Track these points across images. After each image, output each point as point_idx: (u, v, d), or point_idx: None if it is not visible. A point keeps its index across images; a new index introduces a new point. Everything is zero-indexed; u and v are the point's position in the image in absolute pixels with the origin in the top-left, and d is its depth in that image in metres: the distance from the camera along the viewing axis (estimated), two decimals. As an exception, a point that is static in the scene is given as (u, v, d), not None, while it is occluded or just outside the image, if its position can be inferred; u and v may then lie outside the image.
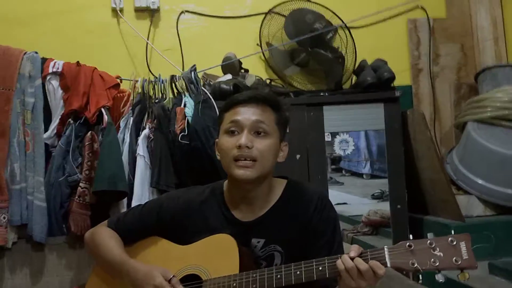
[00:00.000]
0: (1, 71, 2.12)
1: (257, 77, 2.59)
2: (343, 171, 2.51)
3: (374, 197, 2.48)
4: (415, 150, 2.50)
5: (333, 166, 2.48)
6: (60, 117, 2.18)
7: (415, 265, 1.12)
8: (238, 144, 1.34)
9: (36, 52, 2.22)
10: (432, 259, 1.11)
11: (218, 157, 1.45)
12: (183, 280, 1.38)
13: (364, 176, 2.52)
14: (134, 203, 2.04)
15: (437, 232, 1.16)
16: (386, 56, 2.63)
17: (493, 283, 1.94)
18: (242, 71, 2.65)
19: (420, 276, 1.15)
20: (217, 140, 1.46)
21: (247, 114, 1.37)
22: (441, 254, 1.11)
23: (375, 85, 2.47)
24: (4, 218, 2.04)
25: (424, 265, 1.11)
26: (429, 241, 1.13)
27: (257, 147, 1.35)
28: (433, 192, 2.46)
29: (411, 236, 1.17)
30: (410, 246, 1.14)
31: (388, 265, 1.14)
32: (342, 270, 1.17)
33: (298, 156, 2.39)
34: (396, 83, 2.53)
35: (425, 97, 2.88)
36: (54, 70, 2.19)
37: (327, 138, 2.45)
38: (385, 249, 1.16)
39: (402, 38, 2.92)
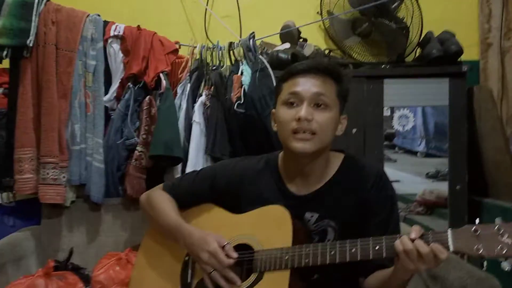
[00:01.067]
0: (65, 32, 2.14)
1: (315, 47, 2.52)
2: (396, 148, 2.43)
3: (428, 176, 2.39)
4: (479, 129, 2.38)
5: (386, 143, 2.40)
6: (120, 80, 2.20)
7: (480, 251, 1.06)
8: (298, 117, 1.30)
9: (99, 15, 2.24)
10: (500, 246, 1.05)
11: (274, 128, 1.42)
12: (235, 249, 1.38)
13: (418, 154, 2.43)
14: (188, 169, 2.06)
15: (499, 216, 1.10)
16: (454, 29, 2.48)
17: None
18: (301, 40, 2.58)
19: (485, 263, 1.09)
20: (273, 110, 1.43)
21: (307, 85, 1.33)
22: (510, 241, 1.05)
23: (441, 58, 2.34)
24: (64, 177, 2.10)
25: (490, 252, 1.06)
26: (497, 226, 1.07)
27: (316, 120, 1.31)
28: (496, 174, 2.34)
29: (477, 220, 1.11)
30: (476, 230, 1.08)
31: (451, 249, 1.09)
32: (400, 251, 1.13)
33: (354, 130, 2.33)
34: (463, 57, 2.39)
35: (493, 73, 2.71)
36: (116, 33, 2.20)
37: (386, 112, 2.37)
38: (449, 232, 1.11)
39: (472, 10, 2.75)
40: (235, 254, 1.34)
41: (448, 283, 1.43)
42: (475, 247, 1.07)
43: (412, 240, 1.12)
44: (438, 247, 1.10)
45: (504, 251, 1.05)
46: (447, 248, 1.09)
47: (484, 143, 2.38)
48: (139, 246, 1.66)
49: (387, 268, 1.27)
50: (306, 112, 1.30)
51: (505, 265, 1.06)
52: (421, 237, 1.13)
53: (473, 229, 1.08)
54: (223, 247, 1.35)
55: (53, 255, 2.09)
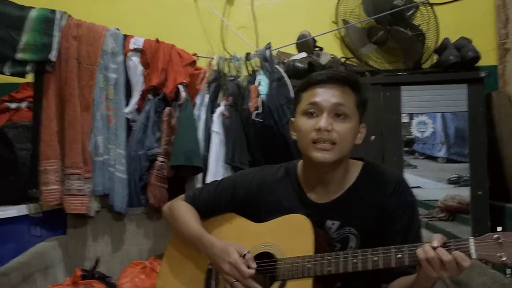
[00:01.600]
0: (86, 47, 2.19)
1: (331, 56, 2.53)
2: (416, 154, 2.42)
3: (450, 182, 2.37)
4: (499, 134, 2.36)
5: (406, 149, 2.39)
6: (140, 92, 2.23)
7: (503, 259, 1.06)
8: (318, 127, 1.31)
9: (118, 29, 2.28)
10: (523, 253, 1.06)
11: (294, 137, 1.44)
12: (257, 257, 1.40)
13: (439, 159, 2.41)
14: (209, 179, 2.08)
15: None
16: (471, 35, 2.48)
17: None
18: (317, 49, 2.60)
19: (508, 270, 1.09)
20: (292, 119, 1.45)
21: (326, 95, 1.34)
22: (532, 248, 1.05)
23: (458, 64, 2.34)
24: (88, 188, 2.15)
25: (513, 259, 1.06)
26: (519, 234, 1.08)
27: (336, 130, 1.32)
28: (517, 179, 2.33)
29: (500, 228, 1.11)
30: (498, 238, 1.08)
31: (474, 256, 1.10)
32: (422, 260, 1.14)
33: (372, 138, 2.33)
34: (480, 63, 2.38)
35: (511, 79, 2.70)
36: (135, 46, 2.24)
37: (404, 119, 2.37)
38: (471, 240, 1.11)
39: (489, 15, 2.73)
40: (254, 264, 1.36)
41: (471, 289, 1.43)
42: (498, 254, 1.07)
43: (434, 249, 1.13)
44: (460, 255, 1.10)
45: (527, 258, 1.05)
46: (469, 256, 1.10)
47: (504, 148, 2.37)
48: (163, 255, 1.68)
49: (410, 274, 1.28)
50: (326, 123, 1.31)
51: (528, 272, 1.06)
52: (443, 245, 1.13)
53: (495, 236, 1.09)
54: (243, 256, 1.37)
55: (79, 264, 2.14)
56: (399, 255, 1.19)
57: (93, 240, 2.21)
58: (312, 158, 1.34)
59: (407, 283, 1.28)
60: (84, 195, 2.13)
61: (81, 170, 2.13)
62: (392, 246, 1.22)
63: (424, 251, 1.14)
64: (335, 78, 1.36)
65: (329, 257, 1.29)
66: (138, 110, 2.25)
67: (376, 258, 1.22)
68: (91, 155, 2.17)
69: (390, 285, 1.37)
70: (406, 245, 1.20)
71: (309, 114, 1.36)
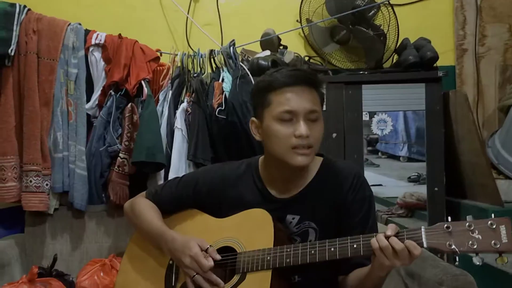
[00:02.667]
0: (46, 41, 2.16)
1: (295, 54, 2.56)
2: (379, 153, 2.47)
3: (410, 180, 2.43)
4: (455, 133, 2.43)
5: (369, 148, 2.44)
6: (101, 88, 2.21)
7: (452, 247, 1.11)
8: (299, 135, 1.32)
9: (80, 24, 2.26)
10: (470, 242, 1.10)
11: (258, 138, 1.43)
12: (219, 251, 1.41)
13: (401, 158, 2.47)
14: (171, 175, 2.07)
15: (475, 217, 1.14)
16: (430, 36, 2.54)
17: (532, 271, 1.89)
18: (281, 47, 2.62)
19: (457, 258, 1.13)
20: (254, 119, 1.44)
21: (300, 101, 1.34)
22: (480, 237, 1.10)
23: (417, 64, 2.40)
24: (47, 185, 2.12)
25: (462, 247, 1.10)
26: (467, 223, 1.12)
27: (312, 134, 1.34)
28: (473, 176, 2.40)
29: (449, 218, 1.15)
30: (448, 227, 1.13)
31: (425, 245, 1.13)
32: (376, 249, 1.17)
33: (334, 135, 2.37)
34: (439, 63, 2.44)
35: (468, 78, 2.78)
36: (97, 42, 2.22)
37: (365, 117, 2.41)
38: (422, 229, 1.15)
39: (447, 17, 2.81)
40: (218, 256, 1.37)
41: (424, 280, 1.47)
42: (447, 243, 1.11)
43: (387, 238, 1.16)
44: (411, 243, 1.14)
45: (475, 246, 1.09)
46: (421, 244, 1.14)
47: (461, 146, 2.44)
48: (124, 252, 1.67)
49: (366, 266, 1.31)
50: (306, 130, 1.32)
51: (477, 260, 1.10)
52: (396, 235, 1.17)
53: (445, 226, 1.13)
54: (206, 250, 1.38)
55: (37, 262, 2.09)
56: (355, 245, 1.22)
57: (52, 238, 2.17)
58: (291, 163, 1.35)
59: (362, 273, 1.32)
60: (43, 192, 2.10)
61: (40, 166, 2.09)
62: (348, 237, 1.25)
63: (377, 240, 1.17)
64: (303, 80, 1.36)
65: (288, 249, 1.32)
66: (99, 106, 2.22)
67: (332, 249, 1.25)
68: (50, 152, 2.14)
69: (347, 276, 1.40)
70: (361, 235, 1.23)
71: (284, 121, 1.35)
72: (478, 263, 1.09)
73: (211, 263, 1.36)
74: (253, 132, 1.45)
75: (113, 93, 2.19)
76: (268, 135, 1.38)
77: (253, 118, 1.45)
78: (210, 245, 1.39)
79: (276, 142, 1.36)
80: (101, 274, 1.94)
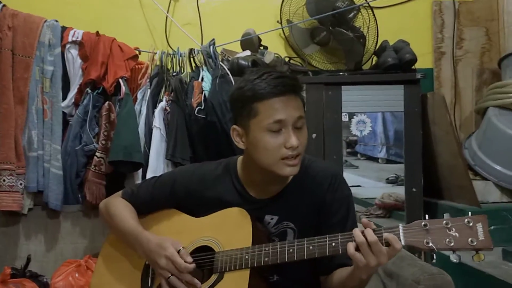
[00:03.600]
0: (22, 38, 2.12)
1: (275, 55, 2.56)
2: (358, 155, 2.49)
3: (388, 181, 2.46)
4: (433, 134, 2.46)
5: (349, 150, 2.46)
6: (78, 86, 2.18)
7: (430, 244, 1.11)
8: (290, 146, 1.29)
9: (57, 21, 2.22)
10: (447, 239, 1.10)
11: (240, 146, 1.39)
12: (196, 251, 1.40)
13: (380, 160, 2.49)
14: (149, 175, 2.05)
15: (453, 217, 1.14)
16: (409, 38, 2.58)
17: (507, 269, 1.92)
18: (261, 48, 2.62)
19: (434, 255, 1.13)
20: (236, 127, 1.38)
21: (288, 110, 1.30)
22: (457, 235, 1.10)
23: (396, 66, 2.43)
24: (21, 184, 2.07)
25: (439, 244, 1.10)
26: (445, 221, 1.12)
27: (300, 142, 1.32)
28: (450, 177, 2.43)
29: (426, 216, 1.15)
30: (425, 225, 1.13)
31: (402, 243, 1.13)
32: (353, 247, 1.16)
33: (314, 136, 2.38)
34: (417, 65, 2.48)
35: (446, 81, 2.83)
36: (74, 39, 2.19)
37: (344, 118, 2.43)
38: (400, 227, 1.15)
39: (426, 20, 2.86)
40: (190, 259, 1.34)
41: (402, 279, 1.47)
42: (425, 240, 1.11)
43: (363, 233, 1.16)
44: (393, 236, 1.13)
45: (452, 244, 1.10)
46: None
47: (438, 148, 2.47)
48: (99, 253, 1.64)
49: (349, 266, 1.30)
50: (296, 140, 1.30)
51: (454, 257, 1.10)
52: (373, 231, 1.16)
53: (422, 224, 1.13)
54: (178, 252, 1.35)
55: (10, 263, 2.03)
56: (333, 243, 1.21)
57: (26, 238, 2.12)
58: (280, 173, 1.33)
59: (345, 274, 1.30)
60: (17, 191, 2.06)
61: (14, 165, 2.05)
62: (327, 235, 1.24)
63: (354, 235, 1.16)
64: (290, 89, 1.32)
65: (266, 248, 1.30)
66: (76, 104, 2.19)
67: (311, 247, 1.24)
68: (25, 150, 2.10)
69: (329, 276, 1.39)
70: (340, 233, 1.22)
71: (273, 132, 1.31)
72: (455, 261, 1.09)
73: (188, 264, 1.33)
74: (235, 140, 1.40)
75: (90, 91, 2.16)
76: (256, 146, 1.33)
77: (236, 126, 1.39)
78: (182, 247, 1.36)
79: (265, 153, 1.32)
80: (76, 275, 1.91)
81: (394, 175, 2.45)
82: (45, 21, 2.19)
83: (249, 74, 1.37)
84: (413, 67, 2.46)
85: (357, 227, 1.39)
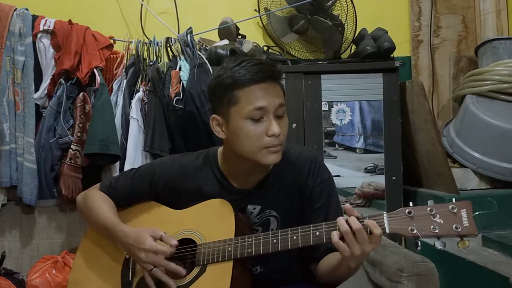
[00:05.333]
0: (-10, 27, 2.06)
1: (254, 44, 2.53)
2: (336, 145, 2.49)
3: (367, 170, 2.47)
4: (412, 122, 2.47)
5: (327, 140, 2.46)
6: (51, 77, 2.13)
7: (414, 231, 1.10)
8: (272, 134, 1.28)
9: (27, 9, 2.16)
10: (432, 226, 1.10)
11: (221, 136, 1.36)
12: (178, 244, 1.36)
13: (358, 150, 2.50)
14: (126, 167, 2.01)
15: (434, 204, 1.14)
16: (387, 26, 2.57)
17: (486, 255, 1.95)
18: (239, 37, 2.59)
19: (419, 243, 1.13)
20: (215, 116, 1.36)
21: (269, 98, 1.29)
22: (441, 221, 1.10)
23: (375, 54, 2.42)
24: (-7, 179, 2.02)
25: (424, 231, 1.10)
26: (429, 208, 1.12)
27: (282, 131, 1.30)
28: (429, 164, 2.44)
29: (410, 203, 1.15)
30: (409, 212, 1.12)
31: (387, 231, 1.13)
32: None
33: (294, 125, 2.36)
34: (395, 54, 2.48)
35: (424, 69, 2.84)
36: (45, 28, 2.13)
37: (324, 107, 2.42)
38: (384, 214, 1.15)
39: (403, 8, 2.86)
40: (174, 241, 1.33)
41: (385, 267, 1.47)
42: (409, 227, 1.11)
43: (347, 222, 1.14)
44: (372, 222, 1.13)
45: (437, 230, 1.09)
46: (384, 230, 1.13)
47: (417, 136, 2.48)
48: (78, 248, 1.60)
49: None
50: (278, 128, 1.28)
51: (439, 244, 1.10)
52: (357, 218, 1.15)
53: (407, 211, 1.12)
54: (160, 238, 1.34)
55: (-16, 261, 1.99)
56: (317, 233, 1.20)
57: (0, 235, 2.07)
58: (262, 162, 1.31)
59: (333, 263, 1.29)
60: (-11, 187, 2.00)
61: (-15, 160, 1.99)
62: (310, 225, 1.23)
63: (338, 223, 1.15)
64: (269, 76, 1.31)
65: (249, 239, 1.29)
66: (49, 95, 2.14)
67: (295, 237, 1.23)
68: (-4, 144, 2.03)
69: (320, 263, 1.37)
70: (323, 223, 1.21)
71: (255, 120, 1.29)
72: (440, 247, 1.09)
73: (171, 248, 1.32)
74: (214, 129, 1.37)
75: (63, 81, 2.10)
76: (237, 135, 1.31)
77: (215, 116, 1.36)
78: (164, 232, 1.35)
79: (247, 142, 1.30)
80: (53, 271, 1.87)
81: (372, 165, 2.46)
82: (15, 9, 2.13)
83: (228, 62, 1.35)
84: (391, 55, 2.46)
85: (341, 209, 1.39)
